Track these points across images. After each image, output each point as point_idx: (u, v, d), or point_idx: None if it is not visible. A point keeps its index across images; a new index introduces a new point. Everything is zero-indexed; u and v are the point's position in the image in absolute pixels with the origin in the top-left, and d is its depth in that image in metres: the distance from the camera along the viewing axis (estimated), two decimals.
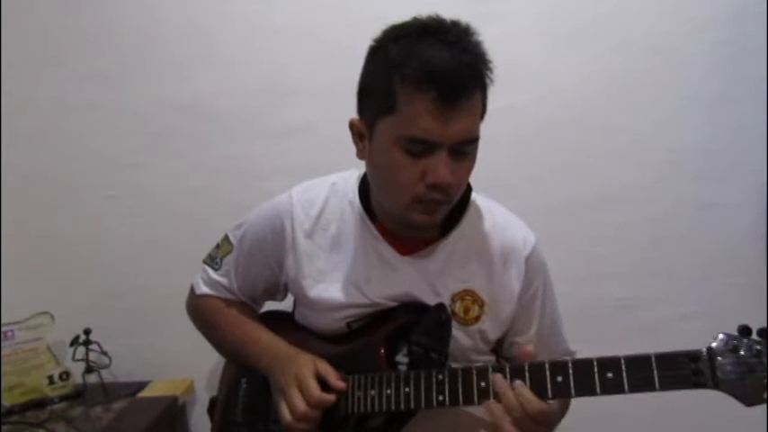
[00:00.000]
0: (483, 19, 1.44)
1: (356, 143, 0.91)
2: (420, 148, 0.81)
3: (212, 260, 1.07)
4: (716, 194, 1.48)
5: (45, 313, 1.49)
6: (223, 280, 1.05)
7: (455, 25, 0.83)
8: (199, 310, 1.09)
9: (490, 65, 0.84)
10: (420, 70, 0.78)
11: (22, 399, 1.43)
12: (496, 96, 1.44)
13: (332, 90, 1.47)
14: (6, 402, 1.42)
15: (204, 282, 1.08)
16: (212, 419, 1.12)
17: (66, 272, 1.55)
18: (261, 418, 0.99)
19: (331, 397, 0.86)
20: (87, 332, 1.46)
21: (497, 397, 0.77)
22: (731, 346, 0.68)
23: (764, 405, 0.69)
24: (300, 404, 0.85)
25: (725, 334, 0.69)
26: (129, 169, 1.52)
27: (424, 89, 0.78)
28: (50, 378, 1.45)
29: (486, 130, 1.47)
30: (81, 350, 1.46)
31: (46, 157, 1.53)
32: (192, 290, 1.10)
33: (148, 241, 1.54)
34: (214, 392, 1.15)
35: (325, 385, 0.87)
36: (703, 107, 1.46)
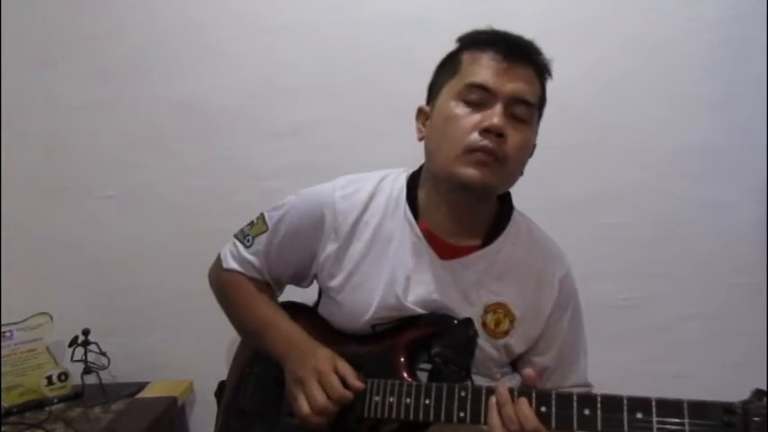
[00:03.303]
0: (483, 18, 1.44)
1: (419, 129, 0.96)
2: (477, 95, 0.86)
3: (244, 236, 1.05)
4: (716, 194, 1.48)
5: (44, 314, 1.48)
6: (253, 259, 1.03)
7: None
8: (223, 283, 1.08)
9: (550, 71, 0.95)
10: (484, 34, 0.90)
11: (20, 399, 1.43)
12: None
13: (332, 90, 1.47)
14: (5, 403, 1.41)
15: (233, 256, 1.06)
16: (218, 403, 1.11)
17: (66, 272, 1.55)
18: (273, 409, 0.98)
19: (351, 394, 0.86)
20: (86, 333, 1.46)
21: (498, 408, 0.78)
22: (765, 403, 0.68)
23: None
24: (321, 398, 0.85)
25: (758, 390, 0.69)
26: (129, 169, 1.52)
27: (485, 48, 0.88)
28: (49, 379, 1.44)
29: None
30: (80, 351, 1.45)
31: (46, 157, 1.53)
32: (219, 261, 1.08)
33: (148, 241, 1.54)
34: (213, 394, 1.15)
35: (342, 383, 0.87)
36: (703, 107, 1.46)
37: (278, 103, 1.48)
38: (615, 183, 1.49)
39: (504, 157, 0.86)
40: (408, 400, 0.85)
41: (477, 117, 0.86)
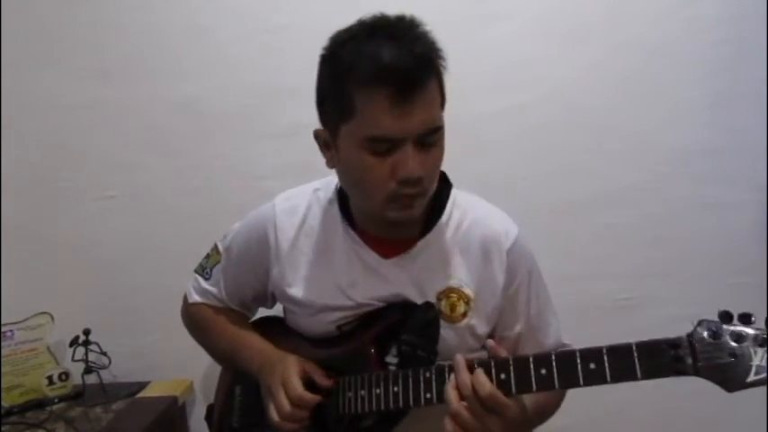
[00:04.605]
0: (483, 19, 1.45)
1: (323, 153, 0.90)
2: (384, 146, 0.80)
3: (203, 269, 1.09)
4: (716, 194, 1.48)
5: (45, 313, 1.49)
6: (213, 289, 1.07)
7: (400, 20, 0.82)
8: (191, 317, 1.11)
9: (441, 52, 0.83)
10: (371, 69, 0.78)
11: (21, 399, 1.43)
12: (498, 96, 1.46)
13: None
14: (6, 403, 1.42)
15: (195, 290, 1.09)
16: (210, 426, 1.12)
17: (66, 272, 1.55)
18: (256, 423, 0.99)
19: (311, 396, 0.87)
20: (87, 332, 1.46)
21: (454, 376, 0.78)
22: (712, 333, 0.68)
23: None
24: (286, 403, 0.87)
25: (706, 320, 0.69)
26: (130, 169, 1.53)
27: (377, 87, 0.78)
28: (50, 378, 1.45)
29: (487, 129, 1.48)
30: (80, 350, 1.46)
31: (46, 157, 1.53)
32: (185, 298, 1.12)
33: (148, 241, 1.54)
34: (213, 393, 1.16)
35: (313, 385, 0.89)
36: (703, 107, 1.46)
37: (277, 103, 1.48)
38: (615, 183, 1.49)
39: (426, 190, 0.86)
40: (378, 391, 0.86)
41: (389, 163, 0.81)
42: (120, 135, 1.52)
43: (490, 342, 0.82)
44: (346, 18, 1.48)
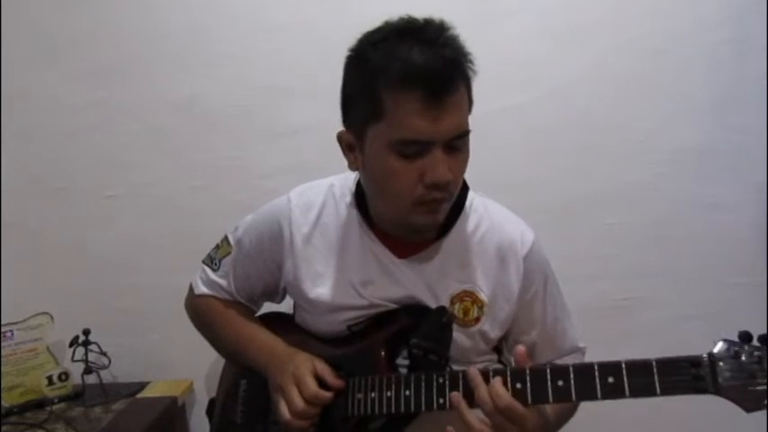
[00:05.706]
0: (485, 18, 1.45)
1: (346, 155, 0.90)
2: (414, 149, 0.80)
3: (211, 261, 1.07)
4: (716, 194, 1.48)
5: (44, 313, 1.49)
6: (221, 281, 1.06)
7: (429, 23, 0.83)
8: (197, 309, 1.10)
9: (470, 57, 0.84)
10: (403, 72, 0.78)
11: (21, 399, 1.43)
12: (498, 96, 1.46)
13: (332, 90, 1.46)
14: (6, 403, 1.42)
15: (203, 282, 1.08)
16: (211, 420, 1.12)
17: (66, 272, 1.55)
18: (260, 419, 0.99)
19: (328, 394, 0.87)
20: (86, 332, 1.46)
21: (471, 391, 0.77)
22: (732, 352, 0.68)
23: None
24: (299, 401, 0.86)
25: (726, 340, 0.70)
26: (130, 169, 1.52)
27: (409, 90, 0.78)
28: (50, 378, 1.44)
29: (487, 129, 1.48)
30: (80, 350, 1.46)
31: (46, 157, 1.53)
32: (191, 289, 1.11)
33: (148, 241, 1.54)
34: (213, 393, 1.16)
35: (323, 384, 0.88)
36: (703, 107, 1.46)
37: (278, 103, 1.48)
38: (615, 183, 1.49)
39: (451, 195, 0.87)
40: (389, 394, 0.85)
41: (418, 167, 0.81)
42: (120, 135, 1.52)
43: (520, 348, 0.79)
44: (347, 18, 1.49)
